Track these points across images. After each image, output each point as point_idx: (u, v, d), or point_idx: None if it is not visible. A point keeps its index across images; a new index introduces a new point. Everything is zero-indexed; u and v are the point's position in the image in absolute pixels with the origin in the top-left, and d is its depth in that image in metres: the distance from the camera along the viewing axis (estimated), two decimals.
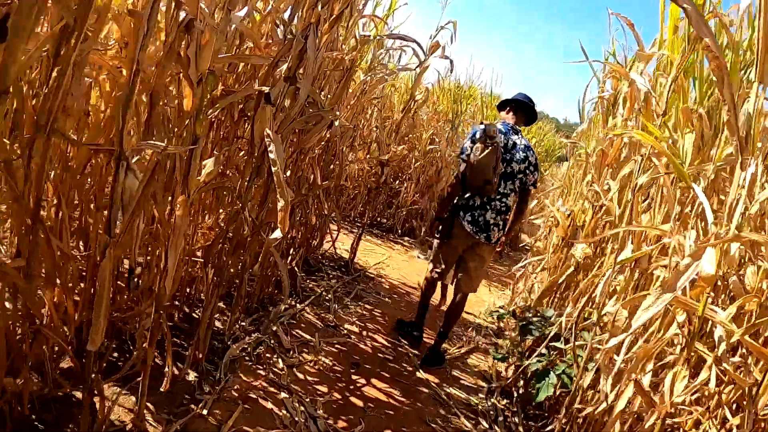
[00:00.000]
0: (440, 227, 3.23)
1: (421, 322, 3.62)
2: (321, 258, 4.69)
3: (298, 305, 3.55)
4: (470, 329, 4.34)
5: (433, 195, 7.07)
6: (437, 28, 4.13)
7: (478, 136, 2.93)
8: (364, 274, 4.83)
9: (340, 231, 6.18)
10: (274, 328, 2.97)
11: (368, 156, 5.12)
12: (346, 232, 6.37)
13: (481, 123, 3.00)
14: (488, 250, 3.17)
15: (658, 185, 2.33)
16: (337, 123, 2.77)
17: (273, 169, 1.75)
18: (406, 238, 7.04)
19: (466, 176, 2.98)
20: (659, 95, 2.18)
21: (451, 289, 3.64)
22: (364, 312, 3.93)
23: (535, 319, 2.78)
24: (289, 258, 3.60)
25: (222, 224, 2.49)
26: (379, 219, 7.40)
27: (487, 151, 2.82)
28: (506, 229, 3.18)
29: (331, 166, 3.70)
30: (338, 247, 5.34)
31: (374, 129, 5.11)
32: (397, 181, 7.29)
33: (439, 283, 3.63)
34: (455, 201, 3.15)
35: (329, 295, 3.90)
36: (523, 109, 3.21)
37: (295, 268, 3.66)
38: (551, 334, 2.50)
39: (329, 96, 2.81)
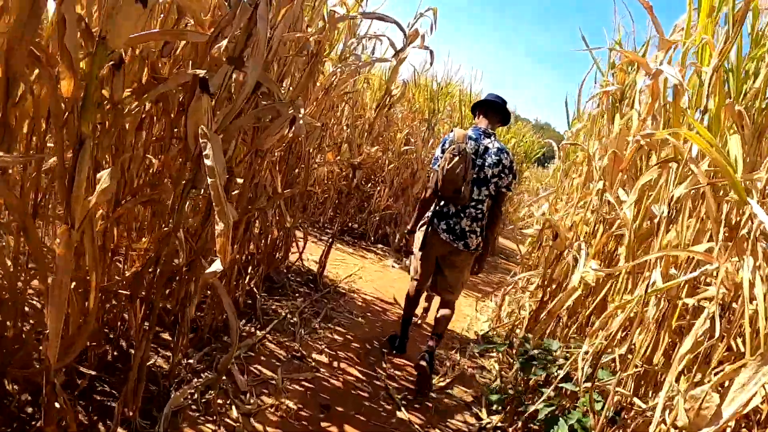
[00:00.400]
0: (418, 239, 3.16)
1: (405, 335, 3.48)
2: (286, 272, 4.18)
3: (258, 332, 3.05)
4: (453, 350, 3.93)
5: (408, 199, 6.64)
6: (416, 16, 3.69)
7: (447, 144, 2.93)
8: (334, 290, 4.35)
9: (308, 239, 5.71)
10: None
11: (338, 158, 4.64)
12: (314, 240, 5.87)
13: (451, 130, 3.02)
14: (467, 258, 3.12)
15: (687, 196, 1.94)
16: (301, 120, 2.30)
17: (209, 180, 1.27)
18: (380, 246, 6.59)
19: (438, 186, 2.93)
20: (694, 88, 1.79)
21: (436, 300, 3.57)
22: (336, 336, 3.46)
23: (536, 352, 2.36)
24: (248, 277, 3.10)
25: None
26: (350, 224, 6.92)
27: (455, 160, 2.80)
28: (485, 240, 3.11)
29: (296, 170, 3.21)
30: (306, 258, 4.85)
31: (345, 128, 4.64)
32: (370, 184, 6.83)
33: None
34: (431, 208, 3.10)
35: (295, 318, 3.41)
36: (493, 109, 3.13)
37: (254, 289, 3.16)
38: (560, 374, 2.08)
39: (291, 88, 2.33)
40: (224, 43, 1.49)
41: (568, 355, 2.28)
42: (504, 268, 8.11)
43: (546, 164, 13.82)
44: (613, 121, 2.78)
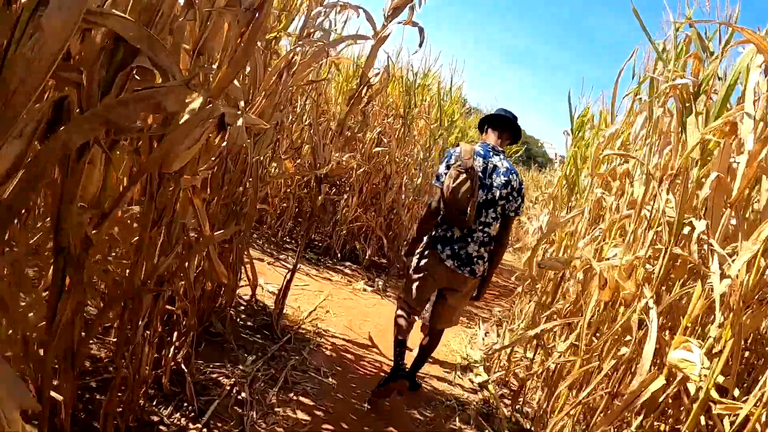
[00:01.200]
0: (414, 262, 2.90)
1: (400, 363, 2.87)
2: (234, 315, 3.21)
3: (191, 425, 2.11)
4: (445, 405, 3.08)
5: (380, 209, 5.74)
6: None
7: (453, 160, 2.69)
8: (296, 335, 3.41)
9: (263, 261, 4.78)
10: None
11: (298, 163, 3.69)
12: (271, 262, 4.89)
13: (457, 145, 2.82)
14: (471, 285, 2.87)
15: None
16: (239, 120, 1.38)
17: None
18: (348, 264, 5.66)
19: (441, 206, 2.70)
20: None
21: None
22: (300, 414, 2.53)
23: None
24: (172, 349, 2.13)
25: None
26: (312, 237, 5.97)
27: (461, 178, 2.58)
28: (489, 270, 2.86)
29: (241, 189, 2.25)
30: (261, 288, 3.90)
31: (307, 128, 3.69)
32: (335, 191, 5.89)
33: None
34: (432, 233, 2.83)
35: (243, 393, 2.46)
36: (504, 125, 2.92)
37: (183, 366, 2.20)
38: None
39: (214, 65, 1.38)
40: None
41: None
42: (501, 285, 7.32)
43: (544, 168, 12.66)
44: (683, 127, 1.97)
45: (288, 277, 3.32)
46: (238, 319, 3.29)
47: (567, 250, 3.89)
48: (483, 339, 4.68)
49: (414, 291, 2.87)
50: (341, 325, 3.95)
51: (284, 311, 3.51)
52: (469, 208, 2.58)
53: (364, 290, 5.10)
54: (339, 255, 5.67)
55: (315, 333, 3.60)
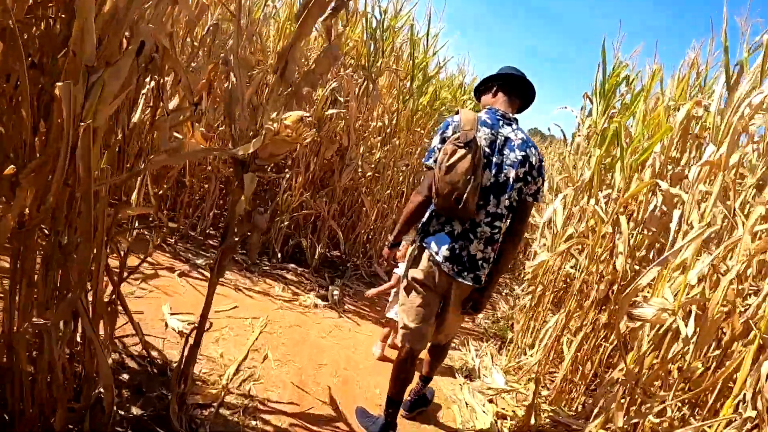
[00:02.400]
0: (405, 270, 2.28)
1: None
2: (107, 396, 1.78)
3: None
4: None
5: (333, 192, 4.34)
6: None
7: (449, 132, 2.12)
8: (214, 425, 2.03)
9: (172, 267, 3.29)
10: None
11: (215, 137, 2.25)
12: (185, 271, 3.41)
13: (457, 111, 2.19)
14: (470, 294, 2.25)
15: None
16: None
17: None
18: (292, 266, 4.25)
19: (433, 191, 2.09)
20: None
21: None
22: None
23: None
24: None
25: None
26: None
27: (458, 154, 1.99)
28: (494, 269, 2.23)
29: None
30: (165, 321, 2.51)
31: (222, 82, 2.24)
32: (274, 169, 4.40)
33: None
34: (425, 227, 2.23)
35: None
36: (513, 86, 2.29)
37: None
38: None
39: None
40: None
41: None
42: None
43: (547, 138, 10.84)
44: None
45: (202, 322, 1.90)
46: (121, 383, 1.87)
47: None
48: (485, 365, 3.49)
49: (416, 311, 2.25)
50: (287, 383, 2.60)
51: (197, 371, 2.13)
52: (467, 194, 2.01)
53: (316, 306, 3.75)
54: (279, 255, 4.24)
55: (247, 411, 2.23)
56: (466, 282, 2.16)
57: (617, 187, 3.13)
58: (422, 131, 5.16)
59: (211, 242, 4.24)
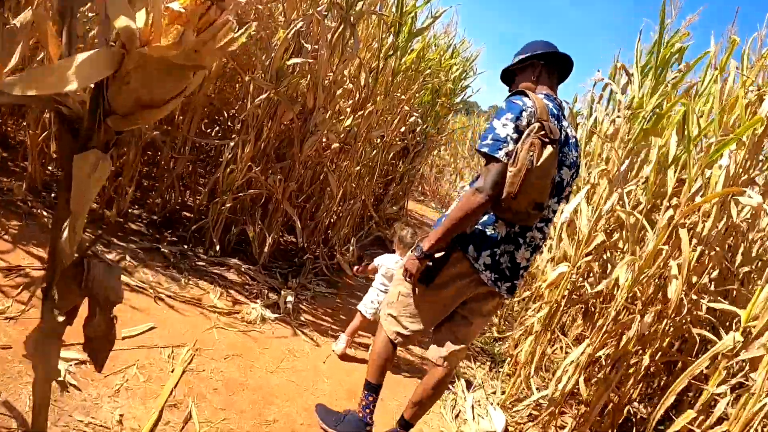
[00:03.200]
0: (429, 269, 1.92)
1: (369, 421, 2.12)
2: None
3: None
4: None
5: (291, 167, 3.38)
6: None
7: (524, 120, 1.73)
8: None
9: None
10: None
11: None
12: None
13: (523, 92, 1.81)
14: (495, 305, 2.03)
15: None
16: None
17: None
18: (234, 262, 3.28)
19: (510, 191, 1.70)
20: None
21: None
22: None
23: None
24: None
25: None
26: (170, 217, 3.49)
27: (548, 152, 1.69)
28: None
29: None
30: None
31: None
32: (216, 130, 3.38)
33: None
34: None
35: None
36: (557, 67, 2.02)
37: None
38: None
39: None
40: None
41: None
42: None
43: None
44: None
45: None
46: None
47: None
48: (477, 401, 2.74)
49: (421, 313, 1.98)
50: None
51: None
52: (549, 200, 1.81)
53: (263, 320, 2.85)
54: (219, 246, 3.27)
55: None
56: (500, 292, 1.92)
57: (670, 190, 2.39)
58: (402, 96, 4.23)
59: (132, 226, 3.22)
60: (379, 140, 4.28)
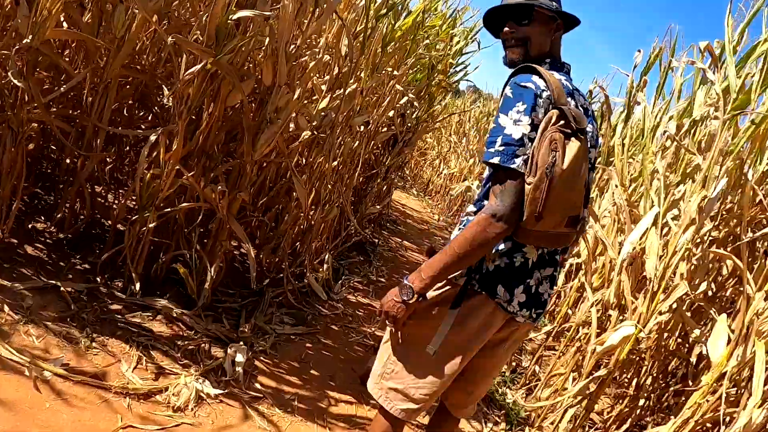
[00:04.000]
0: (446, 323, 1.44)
1: None
2: None
3: None
4: None
5: (241, 169, 2.42)
6: None
7: (541, 109, 1.30)
8: None
9: None
10: None
11: None
12: None
13: (533, 70, 1.34)
14: (525, 331, 1.60)
15: None
16: None
17: None
18: (163, 304, 2.32)
19: (534, 210, 1.26)
20: None
21: None
22: None
23: None
24: None
25: None
26: (55, 234, 2.52)
27: (574, 147, 1.25)
28: None
29: None
30: None
31: None
32: (142, 115, 2.39)
33: None
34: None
35: None
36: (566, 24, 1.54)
37: None
38: None
39: None
40: None
41: None
42: None
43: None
44: None
45: None
46: None
47: None
48: None
49: (434, 376, 1.46)
50: None
51: None
52: (584, 211, 1.39)
53: (200, 401, 1.94)
54: (138, 284, 2.31)
55: None
56: (529, 322, 1.49)
57: None
58: (395, 72, 3.27)
59: (29, 248, 2.25)
60: (362, 127, 3.34)
